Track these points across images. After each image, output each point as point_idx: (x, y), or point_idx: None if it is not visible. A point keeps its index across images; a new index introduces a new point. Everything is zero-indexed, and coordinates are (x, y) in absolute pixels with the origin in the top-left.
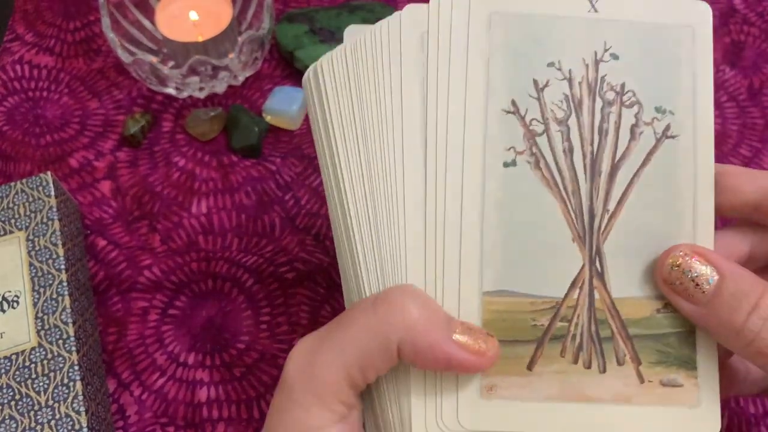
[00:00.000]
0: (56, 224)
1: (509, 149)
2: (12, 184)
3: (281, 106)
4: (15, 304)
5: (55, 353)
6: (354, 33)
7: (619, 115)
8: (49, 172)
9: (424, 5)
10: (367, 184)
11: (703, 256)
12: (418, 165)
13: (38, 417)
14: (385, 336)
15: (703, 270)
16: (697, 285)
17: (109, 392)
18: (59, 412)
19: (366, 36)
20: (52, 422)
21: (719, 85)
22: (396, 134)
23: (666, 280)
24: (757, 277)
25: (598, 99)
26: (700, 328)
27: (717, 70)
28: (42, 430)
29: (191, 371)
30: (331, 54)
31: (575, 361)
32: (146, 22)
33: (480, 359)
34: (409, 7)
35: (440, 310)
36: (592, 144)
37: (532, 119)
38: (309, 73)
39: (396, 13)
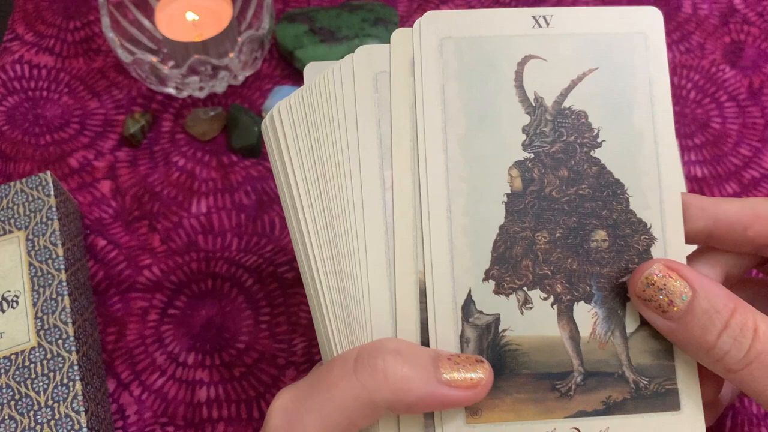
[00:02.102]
0: (56, 224)
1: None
2: (12, 183)
3: None
4: (15, 304)
5: (55, 353)
6: (313, 70)
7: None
8: (48, 172)
9: (375, 46)
10: (329, 230)
11: (676, 271)
12: (377, 207)
13: (38, 417)
14: (371, 401)
15: (677, 286)
16: (671, 302)
17: (108, 392)
18: (59, 412)
19: (320, 79)
20: (52, 422)
21: (719, 85)
22: (354, 179)
23: (639, 297)
24: (730, 293)
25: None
26: (673, 342)
27: (717, 70)
28: (41, 430)
29: (191, 371)
30: (288, 99)
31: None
32: (146, 22)
33: (473, 391)
34: (362, 49)
35: (423, 355)
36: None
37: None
38: (266, 120)
39: (348, 56)
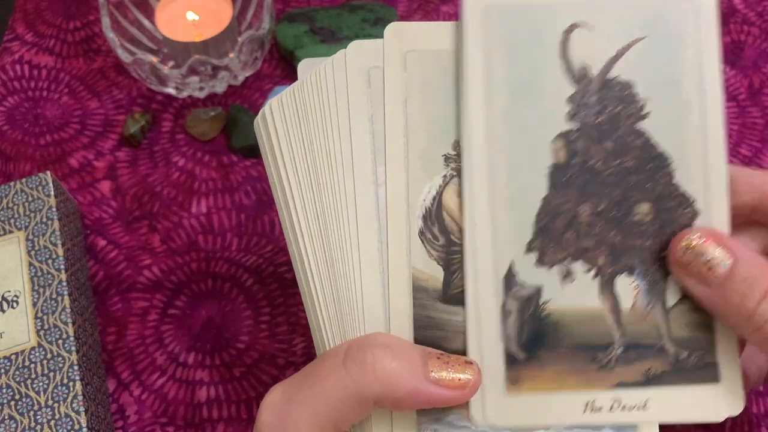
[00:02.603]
0: (56, 224)
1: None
2: (12, 183)
3: None
4: (15, 304)
5: (55, 353)
6: (307, 66)
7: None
8: (48, 172)
9: (368, 41)
10: (322, 226)
11: (717, 239)
12: (370, 203)
13: (38, 417)
14: (360, 394)
15: (717, 253)
16: (710, 268)
17: (108, 392)
18: (59, 412)
19: (312, 75)
20: (52, 422)
21: None
22: (347, 175)
23: (679, 262)
24: None
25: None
26: (711, 311)
27: None
28: (42, 430)
29: (191, 371)
30: (280, 96)
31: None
32: (146, 22)
33: (461, 392)
34: (354, 44)
35: (413, 351)
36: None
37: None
38: (258, 118)
39: (340, 51)
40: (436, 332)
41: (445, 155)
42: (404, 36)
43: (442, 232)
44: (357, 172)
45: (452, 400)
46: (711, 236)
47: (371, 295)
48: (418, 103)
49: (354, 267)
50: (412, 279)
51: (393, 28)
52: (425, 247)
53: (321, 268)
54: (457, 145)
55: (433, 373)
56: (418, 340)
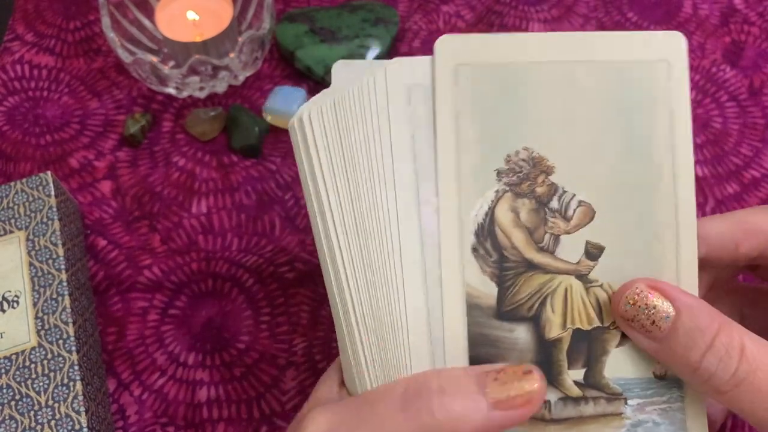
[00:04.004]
0: (56, 224)
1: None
2: (12, 183)
3: (281, 106)
4: (15, 304)
5: (55, 353)
6: (342, 69)
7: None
8: (49, 172)
9: (408, 58)
10: (362, 243)
11: (659, 290)
12: (413, 223)
13: (38, 417)
14: None
15: (660, 305)
16: (654, 322)
17: (109, 392)
18: (59, 412)
19: (354, 89)
20: (52, 422)
21: (720, 85)
22: (389, 192)
23: (622, 316)
24: (715, 311)
25: None
26: (659, 361)
27: (717, 69)
28: (42, 430)
29: (191, 371)
30: (319, 103)
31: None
32: (146, 22)
33: (526, 408)
34: (395, 61)
35: (468, 383)
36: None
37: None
38: (294, 120)
39: (380, 66)
40: (491, 349)
41: (497, 170)
42: (456, 49)
43: (494, 248)
44: (400, 190)
45: (521, 418)
46: (653, 288)
47: (415, 312)
48: (469, 118)
49: (397, 286)
50: (466, 296)
51: (444, 41)
52: (478, 263)
53: (360, 285)
54: (509, 159)
55: (493, 396)
56: (473, 357)
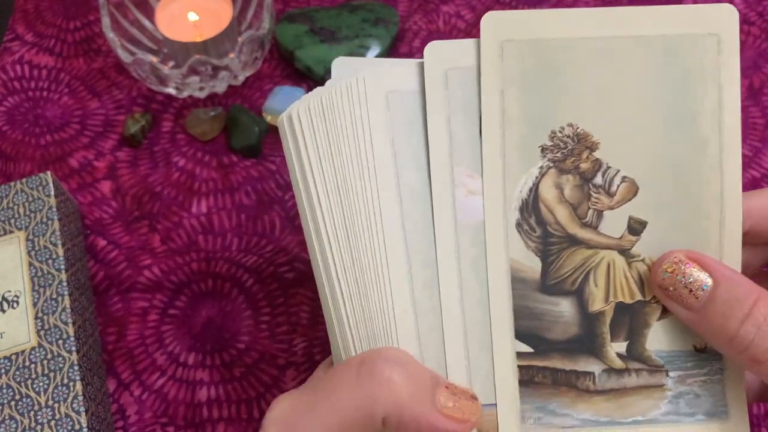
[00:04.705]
0: (56, 224)
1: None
2: (12, 183)
3: (281, 106)
4: (15, 304)
5: (55, 353)
6: (342, 65)
7: None
8: (48, 172)
9: (445, 42)
10: (350, 233)
11: (698, 261)
12: (395, 208)
13: (38, 417)
14: (371, 411)
15: (698, 276)
16: (691, 291)
17: (109, 392)
18: (59, 412)
19: (342, 86)
20: (52, 422)
21: None
22: (373, 187)
23: (660, 286)
24: (752, 283)
25: None
26: (697, 332)
27: None
28: (42, 430)
29: (191, 371)
30: (308, 99)
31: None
32: (146, 22)
33: (462, 426)
34: (432, 45)
35: (425, 375)
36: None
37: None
38: (283, 116)
39: (367, 73)
40: (535, 322)
41: (541, 146)
42: (502, 25)
43: (539, 224)
44: (382, 178)
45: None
46: (691, 259)
47: (401, 299)
48: (514, 95)
49: (384, 277)
50: (510, 270)
51: (490, 18)
52: (522, 238)
53: (348, 275)
54: (554, 135)
55: (441, 401)
56: (518, 330)
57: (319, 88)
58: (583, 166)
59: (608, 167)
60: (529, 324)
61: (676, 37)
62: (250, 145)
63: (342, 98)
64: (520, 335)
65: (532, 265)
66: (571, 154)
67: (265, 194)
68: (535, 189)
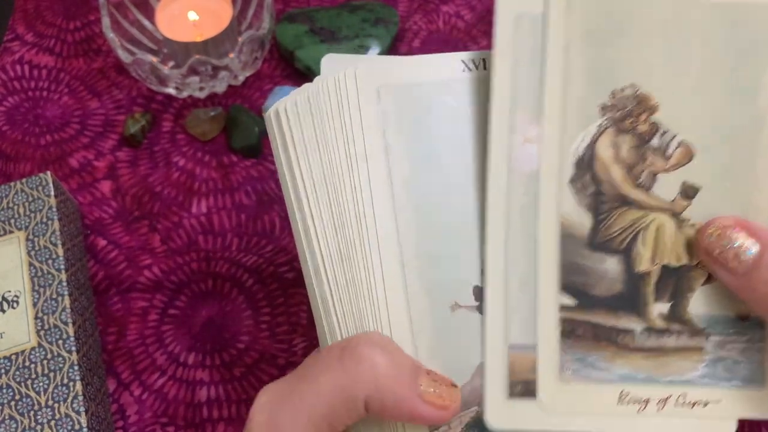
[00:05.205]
0: (56, 224)
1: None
2: (12, 183)
3: None
4: (15, 304)
5: (55, 353)
6: (331, 62)
7: None
8: (48, 172)
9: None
10: (338, 229)
11: (745, 227)
12: (387, 199)
13: (38, 417)
14: (353, 393)
15: (744, 241)
16: (736, 255)
17: (109, 392)
18: (59, 412)
19: (330, 81)
20: (52, 422)
21: None
22: (363, 176)
23: (706, 249)
24: None
25: None
26: (740, 298)
27: None
28: (42, 430)
29: (191, 371)
30: (295, 95)
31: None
32: (146, 22)
33: (442, 413)
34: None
35: (406, 361)
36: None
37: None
38: (270, 112)
39: (356, 69)
40: (582, 278)
41: (601, 105)
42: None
43: (592, 181)
44: (374, 174)
45: (433, 419)
46: (739, 224)
47: (393, 292)
48: (579, 51)
49: (373, 269)
50: (560, 225)
51: None
52: (575, 195)
53: (337, 274)
54: (615, 95)
55: (422, 387)
56: (564, 285)
57: (306, 84)
58: (641, 127)
59: (666, 131)
60: (576, 279)
61: (746, 7)
62: (250, 145)
63: (329, 93)
64: (566, 289)
65: (582, 221)
66: (631, 114)
67: (265, 194)
68: (591, 147)
